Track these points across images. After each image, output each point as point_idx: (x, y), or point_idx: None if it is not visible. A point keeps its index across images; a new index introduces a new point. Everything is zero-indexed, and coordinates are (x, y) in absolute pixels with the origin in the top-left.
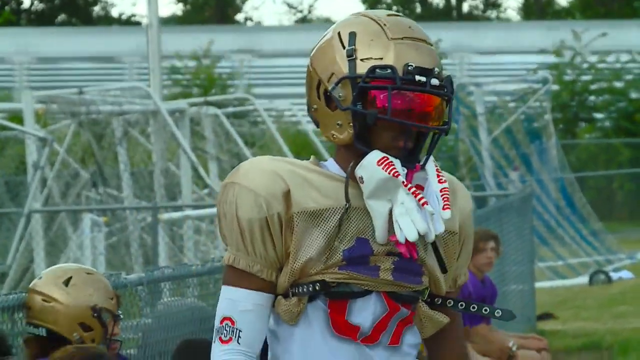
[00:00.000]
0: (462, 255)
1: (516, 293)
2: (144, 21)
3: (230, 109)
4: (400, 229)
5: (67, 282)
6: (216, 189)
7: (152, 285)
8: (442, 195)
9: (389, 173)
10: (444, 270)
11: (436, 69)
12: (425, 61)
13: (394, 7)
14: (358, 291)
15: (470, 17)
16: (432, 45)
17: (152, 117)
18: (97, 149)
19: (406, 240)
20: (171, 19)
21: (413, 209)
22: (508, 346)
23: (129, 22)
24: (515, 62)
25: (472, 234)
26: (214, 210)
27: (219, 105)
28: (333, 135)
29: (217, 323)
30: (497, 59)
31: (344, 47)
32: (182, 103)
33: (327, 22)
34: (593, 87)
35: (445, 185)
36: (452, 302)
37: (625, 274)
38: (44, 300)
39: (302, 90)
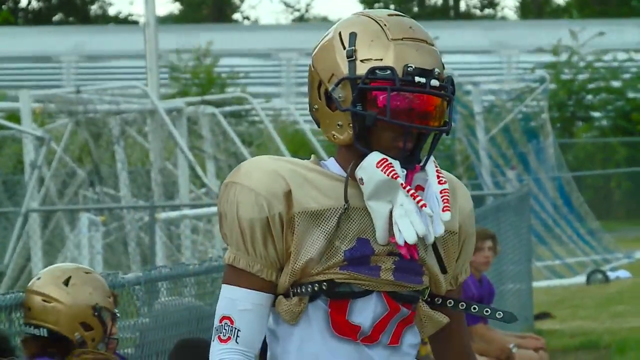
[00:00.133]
0: (462, 254)
1: (513, 292)
2: (141, 20)
3: (228, 108)
4: (400, 231)
5: (66, 282)
6: (214, 188)
7: (150, 285)
8: (442, 197)
9: (388, 175)
10: (443, 270)
11: (436, 70)
12: (426, 62)
13: (392, 6)
14: (359, 291)
15: (467, 16)
16: (433, 45)
17: (150, 116)
18: (95, 148)
19: (405, 242)
20: (168, 17)
21: (412, 210)
22: (508, 347)
23: (126, 21)
24: (512, 62)
25: (473, 233)
26: (211, 209)
27: (216, 104)
28: (333, 135)
29: (216, 322)
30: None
31: (344, 48)
32: (179, 102)
33: (325, 21)
34: (590, 86)
35: (446, 186)
36: (452, 302)
37: (623, 273)
38: (44, 300)
39: (300, 89)
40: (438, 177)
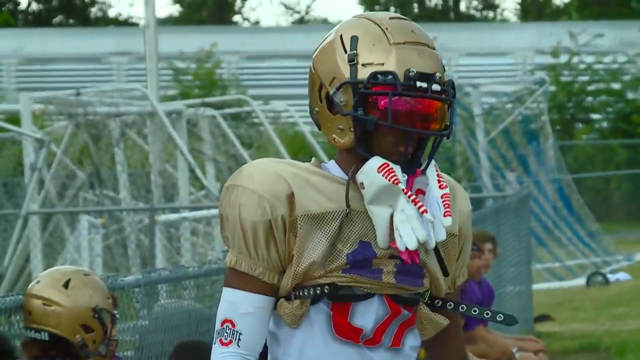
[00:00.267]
0: (461, 257)
1: (513, 294)
2: (141, 22)
3: (228, 111)
4: (400, 236)
5: (66, 285)
6: (213, 190)
7: (149, 287)
8: (443, 202)
9: (390, 180)
10: (445, 273)
11: (437, 74)
12: (427, 66)
13: (392, 8)
14: (361, 294)
15: (467, 17)
16: (434, 48)
17: (149, 118)
18: (94, 150)
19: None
20: (168, 19)
21: (413, 216)
22: (511, 351)
23: (126, 23)
24: (512, 64)
25: (470, 235)
26: (211, 212)
27: (216, 106)
28: (334, 139)
29: (217, 325)
30: (493, 60)
31: (345, 51)
32: (179, 104)
33: (325, 23)
34: (590, 88)
35: (447, 190)
36: (452, 305)
37: (623, 276)
38: (44, 304)
39: (299, 91)
40: (439, 181)
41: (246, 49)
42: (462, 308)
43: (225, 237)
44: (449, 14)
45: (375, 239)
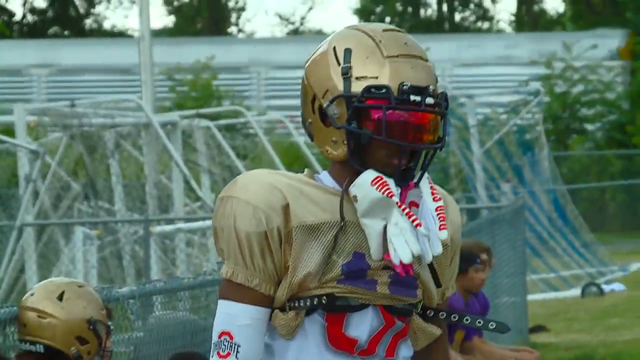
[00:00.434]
0: (450, 267)
1: (508, 305)
2: (136, 34)
3: (222, 122)
4: (395, 250)
5: (60, 297)
6: (208, 201)
7: (144, 299)
8: (438, 214)
9: (383, 193)
10: (438, 284)
11: (431, 87)
12: (421, 79)
13: (387, 18)
14: (355, 305)
15: (462, 28)
16: (427, 60)
17: (144, 129)
18: (89, 161)
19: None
20: (163, 31)
21: (407, 229)
22: None
23: (122, 35)
24: (507, 74)
25: (460, 246)
26: (206, 223)
27: (211, 117)
28: (327, 150)
29: (214, 337)
30: (488, 71)
31: (339, 64)
32: (174, 115)
33: (319, 34)
34: (584, 98)
35: (441, 203)
36: (444, 315)
37: (618, 286)
38: (39, 316)
39: (295, 102)
40: (433, 193)
41: (241, 60)
42: (454, 317)
43: (220, 249)
44: (443, 25)
45: (369, 251)
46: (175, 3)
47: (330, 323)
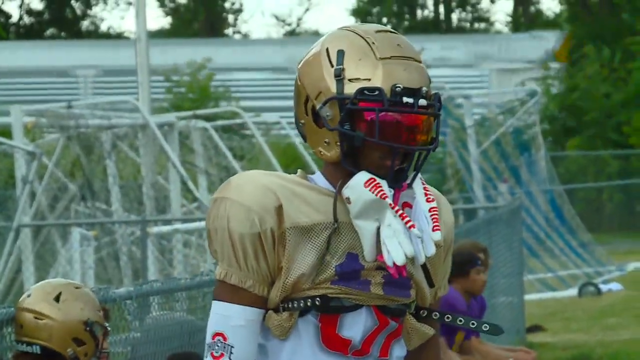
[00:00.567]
0: (443, 267)
1: (505, 305)
2: (132, 35)
3: (220, 122)
4: (388, 251)
5: (57, 298)
6: (205, 202)
7: (141, 299)
8: (431, 215)
9: (377, 195)
10: (431, 285)
11: (424, 88)
12: (414, 80)
13: (384, 19)
14: (349, 305)
15: (459, 29)
16: (420, 62)
17: (141, 130)
18: (86, 162)
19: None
20: (159, 32)
21: (400, 231)
22: None
23: (119, 36)
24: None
25: (452, 246)
26: (203, 223)
27: (207, 118)
28: (321, 151)
29: (208, 338)
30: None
31: (332, 65)
32: (171, 116)
33: (316, 34)
34: (581, 99)
35: (434, 204)
36: (438, 315)
37: (615, 286)
38: (36, 317)
39: (291, 103)
40: (426, 194)
41: (238, 61)
42: (448, 318)
43: (214, 250)
44: (440, 26)
45: (363, 252)
46: (171, 5)
47: (324, 324)
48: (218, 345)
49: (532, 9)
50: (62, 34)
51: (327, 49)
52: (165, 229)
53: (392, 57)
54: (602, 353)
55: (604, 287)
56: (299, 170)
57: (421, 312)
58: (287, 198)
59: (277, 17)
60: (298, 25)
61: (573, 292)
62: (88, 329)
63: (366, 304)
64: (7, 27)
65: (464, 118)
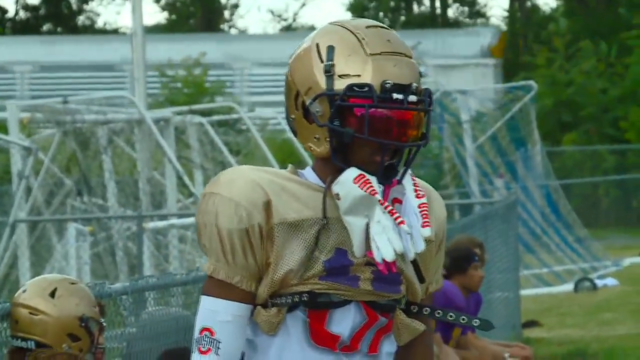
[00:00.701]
0: (435, 262)
1: (501, 300)
2: (129, 30)
3: (215, 118)
4: (378, 248)
5: (52, 294)
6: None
7: (137, 295)
8: (421, 212)
9: (366, 191)
10: (421, 280)
11: (414, 84)
12: (404, 76)
13: (380, 14)
14: (338, 301)
15: (455, 24)
16: (411, 57)
17: (137, 125)
18: (82, 158)
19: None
20: (156, 27)
21: (389, 227)
22: (503, 356)
23: (115, 31)
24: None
25: (444, 240)
26: None
27: (203, 113)
28: (311, 147)
29: (196, 333)
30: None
31: (322, 61)
32: (166, 112)
33: (312, 30)
34: (577, 94)
35: (424, 200)
36: (428, 310)
37: (611, 281)
38: (31, 313)
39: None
40: (416, 190)
41: (233, 56)
42: (439, 313)
43: (203, 245)
44: (437, 21)
45: (352, 247)
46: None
47: (313, 319)
48: (205, 340)
49: (529, 3)
50: (59, 29)
51: (317, 45)
52: (161, 224)
53: (382, 52)
54: (598, 348)
55: (599, 283)
56: (289, 165)
57: (412, 307)
58: (276, 193)
59: (273, 13)
60: (294, 20)
61: (569, 287)
62: (83, 324)
63: (355, 299)
64: (3, 23)
65: (460, 113)
